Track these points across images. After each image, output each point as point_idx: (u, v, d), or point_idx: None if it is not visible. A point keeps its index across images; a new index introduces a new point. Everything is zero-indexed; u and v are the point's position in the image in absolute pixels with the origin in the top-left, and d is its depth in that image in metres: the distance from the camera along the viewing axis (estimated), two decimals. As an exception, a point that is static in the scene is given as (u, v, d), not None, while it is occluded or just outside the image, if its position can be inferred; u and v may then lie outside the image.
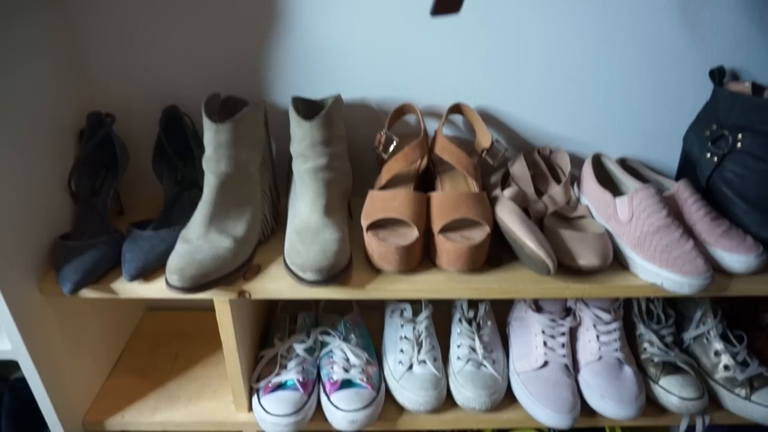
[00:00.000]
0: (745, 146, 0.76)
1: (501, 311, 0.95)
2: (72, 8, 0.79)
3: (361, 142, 0.88)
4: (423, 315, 0.87)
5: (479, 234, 0.69)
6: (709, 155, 0.80)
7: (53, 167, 0.75)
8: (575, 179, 0.87)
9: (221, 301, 0.72)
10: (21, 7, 0.69)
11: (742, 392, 0.79)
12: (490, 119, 0.86)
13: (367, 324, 0.95)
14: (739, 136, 0.76)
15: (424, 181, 0.84)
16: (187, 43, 0.81)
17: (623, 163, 0.87)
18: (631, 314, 0.89)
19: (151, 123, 0.85)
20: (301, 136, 0.72)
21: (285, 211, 0.81)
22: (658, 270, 0.69)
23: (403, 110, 0.84)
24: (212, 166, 0.71)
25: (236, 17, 0.79)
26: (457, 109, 0.83)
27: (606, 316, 0.84)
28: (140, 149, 0.88)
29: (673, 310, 0.89)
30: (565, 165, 0.84)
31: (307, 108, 0.79)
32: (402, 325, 0.87)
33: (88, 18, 0.80)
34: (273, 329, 0.91)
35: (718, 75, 0.80)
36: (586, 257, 0.69)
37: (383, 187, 0.76)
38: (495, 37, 0.80)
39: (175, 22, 0.80)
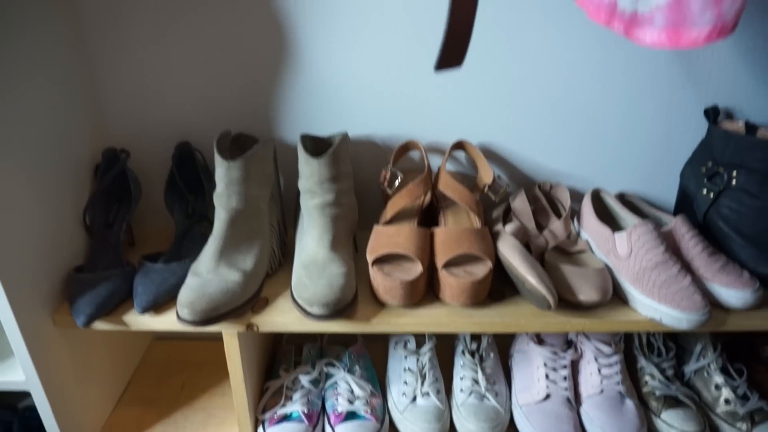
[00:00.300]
0: (740, 183, 0.78)
1: (503, 342, 0.96)
2: (90, 48, 0.82)
3: (367, 176, 0.90)
4: (426, 347, 0.88)
5: (481, 269, 0.71)
6: (705, 191, 0.82)
7: (69, 201, 0.78)
8: (575, 213, 0.89)
9: (230, 334, 0.73)
10: (40, 47, 0.72)
11: (743, 426, 0.80)
12: (492, 155, 0.89)
13: (371, 354, 0.96)
14: (734, 173, 0.79)
15: (428, 215, 0.86)
16: (200, 82, 0.85)
17: (622, 198, 0.90)
18: (632, 347, 0.90)
19: (163, 158, 0.88)
20: (309, 173, 0.74)
21: (292, 243, 0.83)
22: (656, 305, 0.70)
23: (407, 147, 0.87)
24: (223, 201, 0.73)
25: (248, 58, 0.83)
26: (459, 146, 0.86)
27: (607, 349, 0.85)
28: (152, 183, 0.91)
29: (674, 343, 0.90)
30: (565, 200, 0.87)
31: (315, 145, 0.82)
32: (406, 357, 0.88)
33: (105, 58, 0.83)
34: (278, 360, 0.92)
35: (712, 114, 0.83)
36: (586, 292, 0.70)
37: (388, 222, 0.79)
38: (496, 77, 0.83)
39: (189, 62, 0.83)
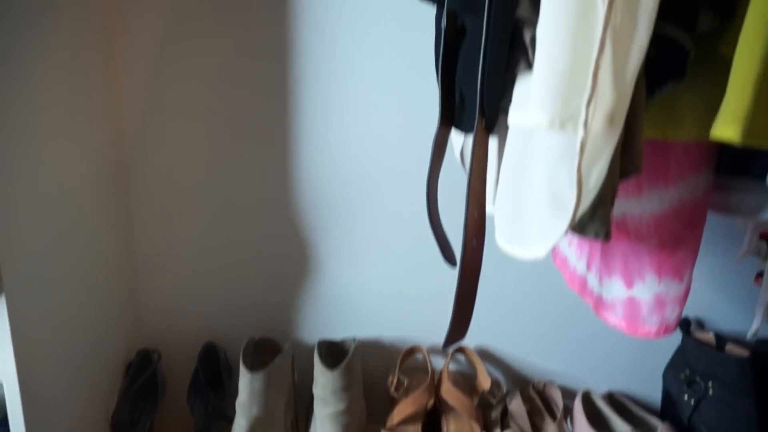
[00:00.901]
0: (716, 393, 0.85)
1: None
2: (136, 259, 0.94)
3: (374, 371, 0.97)
4: None
5: (482, 483, 0.76)
6: (686, 397, 0.89)
7: (99, 400, 0.84)
8: (568, 412, 0.96)
9: None
10: (94, 263, 0.84)
11: None
12: (490, 356, 0.97)
13: None
14: (710, 383, 0.86)
15: (432, 413, 0.92)
16: (228, 290, 0.96)
17: (611, 398, 0.96)
18: None
19: (189, 356, 0.96)
20: (324, 382, 0.82)
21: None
22: None
23: (412, 351, 0.95)
24: (245, 410, 0.80)
25: (272, 270, 0.94)
26: (460, 350, 0.95)
27: None
28: (176, 377, 0.98)
29: None
30: (558, 400, 0.93)
31: (329, 349, 0.91)
32: None
33: (148, 269, 0.95)
34: None
35: (684, 325, 0.92)
36: (582, 508, 0.75)
37: (394, 426, 0.85)
38: (493, 288, 0.94)
39: (220, 273, 0.95)
